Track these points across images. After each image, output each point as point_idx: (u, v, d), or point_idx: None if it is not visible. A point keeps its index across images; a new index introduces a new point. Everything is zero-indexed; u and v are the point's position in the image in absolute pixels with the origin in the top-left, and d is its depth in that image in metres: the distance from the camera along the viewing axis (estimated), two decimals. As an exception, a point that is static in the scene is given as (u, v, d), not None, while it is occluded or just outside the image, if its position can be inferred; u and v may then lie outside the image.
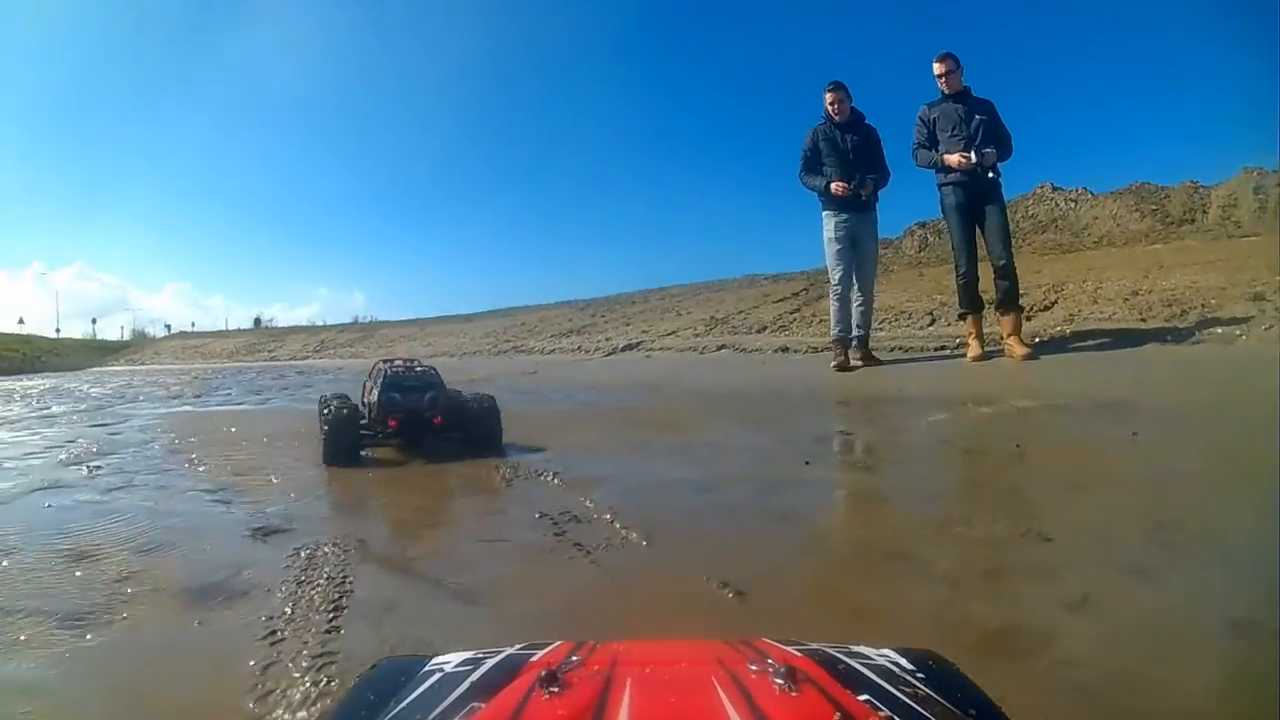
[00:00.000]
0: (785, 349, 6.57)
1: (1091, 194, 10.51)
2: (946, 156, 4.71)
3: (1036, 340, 5.08)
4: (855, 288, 5.22)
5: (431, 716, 0.41)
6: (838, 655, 0.48)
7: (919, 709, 0.41)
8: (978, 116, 4.70)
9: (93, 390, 9.03)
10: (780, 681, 0.41)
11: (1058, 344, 4.98)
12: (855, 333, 5.26)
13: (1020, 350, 4.56)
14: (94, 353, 35.26)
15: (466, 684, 0.45)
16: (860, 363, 5.23)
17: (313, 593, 1.40)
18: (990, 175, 4.62)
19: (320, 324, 38.29)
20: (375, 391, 2.95)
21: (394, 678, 0.49)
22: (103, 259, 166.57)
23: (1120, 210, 9.90)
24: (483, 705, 0.41)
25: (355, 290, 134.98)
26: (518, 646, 0.53)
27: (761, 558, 1.59)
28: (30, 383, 12.13)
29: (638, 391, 5.49)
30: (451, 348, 15.61)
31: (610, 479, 2.37)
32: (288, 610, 1.31)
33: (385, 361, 3.25)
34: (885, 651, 0.51)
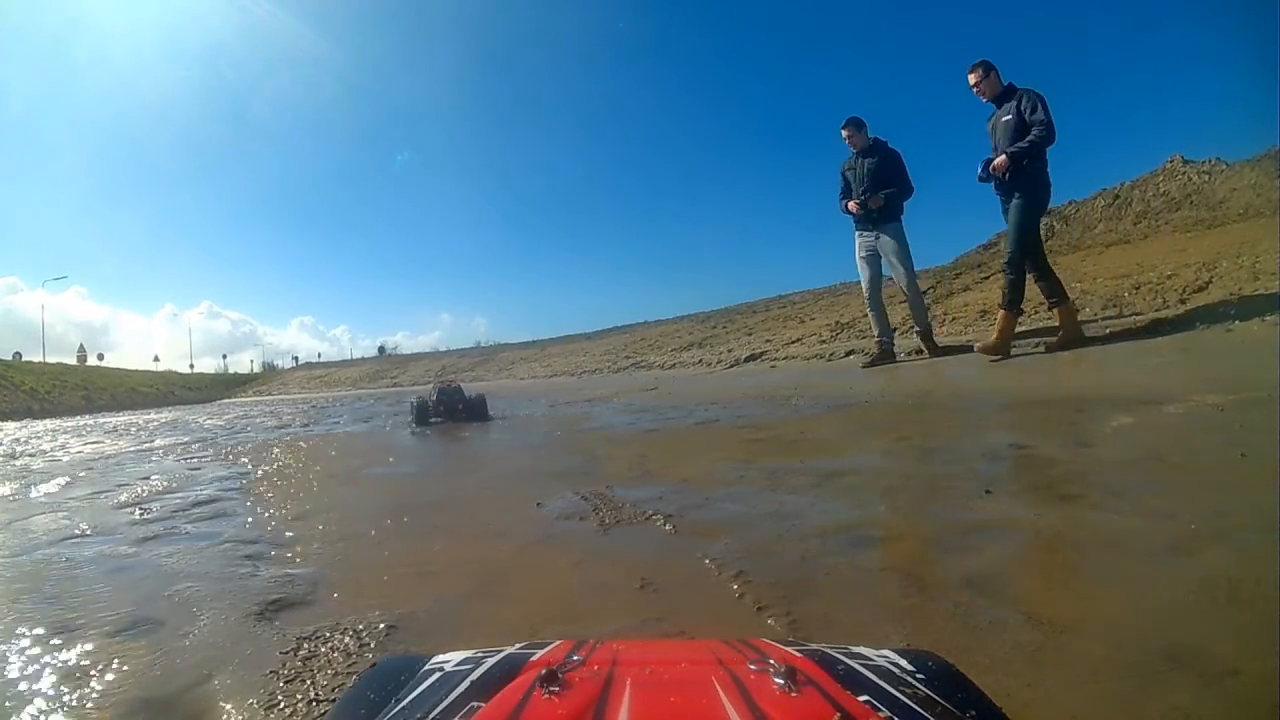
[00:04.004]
0: (920, 351, 5.73)
1: (1226, 164, 9.18)
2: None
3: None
4: (906, 288, 5.71)
5: (431, 715, 0.39)
6: (838, 656, 0.47)
7: (919, 710, 0.39)
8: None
9: (208, 422, 9.33)
10: (780, 682, 0.39)
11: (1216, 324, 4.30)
12: (917, 327, 5.76)
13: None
14: (224, 385, 38.13)
15: (466, 683, 0.43)
16: (916, 356, 5.82)
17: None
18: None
19: (443, 349, 39.76)
20: (434, 397, 6.53)
21: (394, 676, 0.47)
22: (230, 297, 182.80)
23: (1260, 179, 8.70)
24: (482, 704, 0.39)
25: (478, 316, 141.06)
26: (518, 645, 0.50)
27: (971, 663, 0.94)
28: (154, 416, 12.92)
29: (764, 405, 4.92)
30: (571, 367, 15.46)
31: (737, 524, 1.88)
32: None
33: (440, 380, 8.15)
34: (885, 652, 0.49)
